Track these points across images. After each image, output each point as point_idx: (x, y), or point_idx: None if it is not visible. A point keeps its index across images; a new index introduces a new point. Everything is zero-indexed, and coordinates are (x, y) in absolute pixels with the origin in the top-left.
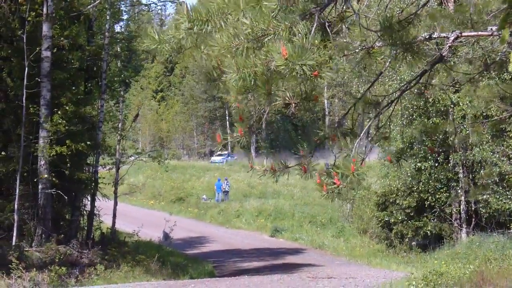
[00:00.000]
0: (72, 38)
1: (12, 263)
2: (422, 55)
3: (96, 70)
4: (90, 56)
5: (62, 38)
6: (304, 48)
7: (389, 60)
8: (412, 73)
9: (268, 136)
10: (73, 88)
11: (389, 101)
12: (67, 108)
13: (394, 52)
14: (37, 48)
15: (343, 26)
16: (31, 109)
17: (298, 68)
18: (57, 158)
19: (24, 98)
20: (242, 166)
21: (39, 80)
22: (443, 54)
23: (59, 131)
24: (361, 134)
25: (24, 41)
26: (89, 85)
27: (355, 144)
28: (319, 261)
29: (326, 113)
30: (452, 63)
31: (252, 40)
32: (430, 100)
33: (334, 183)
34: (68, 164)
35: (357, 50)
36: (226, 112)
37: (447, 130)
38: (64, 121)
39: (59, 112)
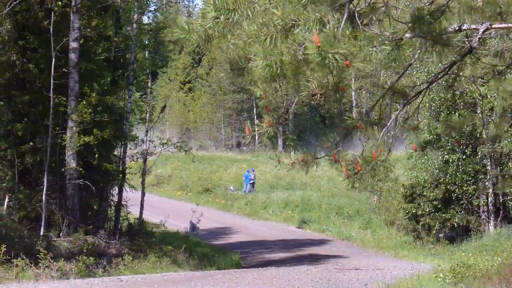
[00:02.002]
0: (99, 29)
1: (40, 253)
2: (452, 47)
3: (123, 61)
4: (118, 47)
5: (89, 29)
6: (336, 38)
7: (418, 52)
8: (440, 65)
9: (296, 128)
10: (100, 79)
11: (417, 92)
12: (92, 98)
13: (424, 43)
14: (64, 39)
15: (373, 17)
16: (57, 99)
17: (331, 56)
18: (84, 148)
19: (51, 89)
20: (269, 157)
21: (66, 71)
22: (473, 46)
23: (85, 121)
24: (388, 124)
25: (51, 32)
26: (116, 76)
27: (381, 133)
28: (346, 253)
29: (354, 104)
30: (481, 55)
31: (281, 30)
32: (458, 92)
33: (354, 168)
34: (96, 155)
35: (386, 42)
36: (254, 104)
37: (474, 123)
38: (89, 110)
39: (84, 102)
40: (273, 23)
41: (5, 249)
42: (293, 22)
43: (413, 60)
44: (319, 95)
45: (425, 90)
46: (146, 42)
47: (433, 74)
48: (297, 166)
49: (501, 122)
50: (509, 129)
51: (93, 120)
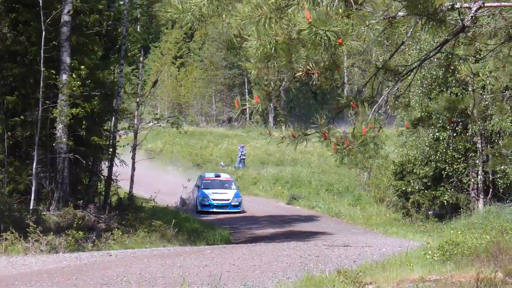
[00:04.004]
0: (91, 3)
1: (30, 227)
2: (445, 25)
3: (115, 36)
4: (109, 21)
5: (80, 2)
6: (328, 15)
7: (411, 30)
8: (432, 43)
9: (287, 104)
10: (91, 53)
11: (409, 70)
12: (81, 71)
13: (417, 21)
14: (54, 12)
15: None
16: (47, 73)
17: (322, 33)
18: (74, 122)
19: (42, 63)
20: (260, 133)
21: (56, 44)
22: (466, 24)
23: (75, 94)
24: (380, 101)
25: (40, 5)
26: (108, 50)
27: (373, 110)
28: (335, 229)
29: (345, 81)
30: (473, 33)
31: (275, 10)
32: (450, 70)
33: (343, 143)
34: (84, 126)
35: (379, 20)
36: (245, 80)
37: (468, 103)
38: (78, 83)
39: (73, 75)
40: (267, 3)
41: None
42: (287, 1)
43: (405, 38)
44: (317, 74)
45: (417, 68)
46: (138, 16)
47: (425, 52)
48: (287, 141)
49: (500, 104)
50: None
51: (83, 94)
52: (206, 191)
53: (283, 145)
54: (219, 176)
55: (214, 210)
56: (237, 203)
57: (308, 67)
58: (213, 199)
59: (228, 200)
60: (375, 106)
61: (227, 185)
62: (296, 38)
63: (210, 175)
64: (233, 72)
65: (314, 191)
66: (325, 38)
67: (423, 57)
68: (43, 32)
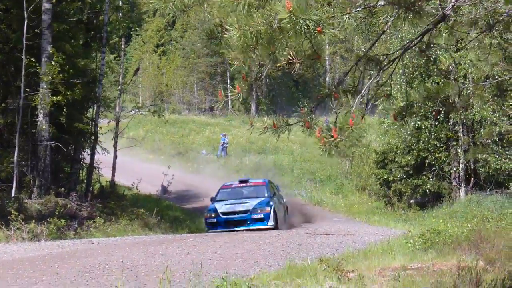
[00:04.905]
0: None
1: (11, 215)
2: (424, 15)
3: (97, 23)
4: (91, 9)
5: None
6: (308, 4)
7: (391, 19)
8: (413, 31)
9: (269, 92)
10: (73, 40)
11: (391, 59)
12: (59, 58)
13: (397, 11)
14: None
15: None
16: (27, 61)
17: (302, 22)
18: (55, 110)
19: (24, 50)
20: (241, 121)
21: (38, 32)
22: (446, 14)
23: (55, 81)
24: (362, 91)
25: None
26: (89, 38)
27: (356, 101)
28: (317, 218)
29: (327, 70)
30: (454, 22)
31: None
32: (431, 59)
33: (332, 136)
34: (64, 113)
35: (359, 9)
36: (227, 68)
37: (449, 93)
38: (57, 70)
39: (52, 62)
40: None
41: None
42: None
43: (386, 27)
44: (298, 63)
45: (398, 58)
46: (120, 3)
47: (406, 41)
48: (270, 131)
49: (480, 92)
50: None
51: (64, 81)
52: (217, 204)
53: (266, 134)
54: (246, 181)
55: (225, 229)
56: (261, 216)
57: (289, 56)
58: (223, 213)
59: (246, 212)
60: (358, 97)
61: (256, 193)
62: (277, 28)
63: (233, 182)
64: (214, 60)
65: (296, 179)
66: (305, 27)
67: (405, 47)
68: (25, 20)
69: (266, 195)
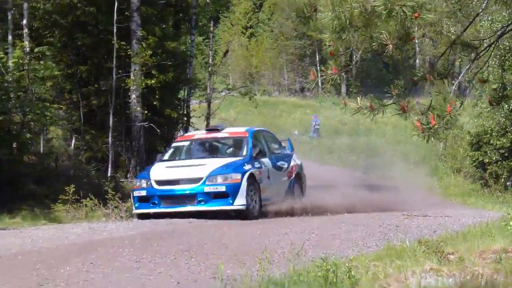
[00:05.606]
0: None
1: (108, 193)
2: None
3: (185, 6)
4: None
5: None
6: None
7: (485, 2)
8: (504, 14)
9: (359, 75)
10: (161, 23)
11: (487, 45)
12: (150, 40)
13: None
14: None
15: None
16: (117, 44)
17: (398, 9)
18: (147, 91)
19: (115, 32)
20: (332, 103)
21: (128, 14)
22: None
23: (147, 64)
24: (460, 77)
25: None
26: (178, 20)
27: (453, 87)
28: (413, 200)
29: (417, 52)
30: None
31: None
32: None
33: (429, 123)
34: (157, 96)
35: None
36: (316, 50)
37: None
38: (149, 52)
39: (143, 45)
40: None
41: (74, 189)
42: None
43: (480, 10)
44: (391, 45)
45: (494, 43)
46: None
47: (498, 23)
48: (365, 111)
49: None
50: None
51: (155, 63)
52: (155, 168)
53: (359, 115)
54: (216, 130)
55: (161, 210)
56: (222, 189)
57: (383, 39)
58: (158, 182)
59: (196, 181)
60: (456, 83)
61: (230, 150)
62: (371, 11)
63: (198, 132)
64: (303, 42)
65: (390, 161)
66: (401, 13)
67: (501, 31)
68: (116, 2)
69: (244, 153)
